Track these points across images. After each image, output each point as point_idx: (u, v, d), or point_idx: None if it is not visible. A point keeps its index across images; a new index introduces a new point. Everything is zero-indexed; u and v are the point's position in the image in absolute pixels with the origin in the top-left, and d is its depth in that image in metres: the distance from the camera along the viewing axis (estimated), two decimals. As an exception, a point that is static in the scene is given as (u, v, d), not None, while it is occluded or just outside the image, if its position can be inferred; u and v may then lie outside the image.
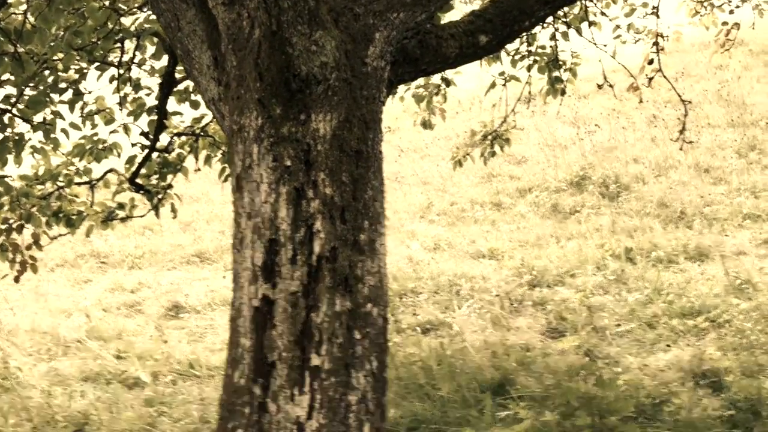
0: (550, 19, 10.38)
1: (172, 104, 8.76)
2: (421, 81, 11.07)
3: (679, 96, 10.51)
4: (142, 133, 8.58)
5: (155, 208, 9.21)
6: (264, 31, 5.20)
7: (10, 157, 8.20)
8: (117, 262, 16.06)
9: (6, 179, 8.40)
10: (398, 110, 16.92)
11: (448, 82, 10.88)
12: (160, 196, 9.18)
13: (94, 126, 8.83)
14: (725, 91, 21.21)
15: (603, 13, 10.76)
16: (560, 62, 10.67)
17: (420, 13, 5.72)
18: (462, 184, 18.43)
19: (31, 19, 7.13)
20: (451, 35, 5.97)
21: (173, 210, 9.34)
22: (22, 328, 12.40)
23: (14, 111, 7.81)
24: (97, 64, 8.17)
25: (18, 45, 6.97)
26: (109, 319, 12.84)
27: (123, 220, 9.33)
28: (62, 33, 7.59)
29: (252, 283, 5.41)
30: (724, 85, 21.59)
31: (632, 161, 18.07)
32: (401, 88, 11.05)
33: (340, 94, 5.39)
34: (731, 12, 10.65)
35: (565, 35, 10.51)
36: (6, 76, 7.59)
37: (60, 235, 9.33)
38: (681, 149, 11.42)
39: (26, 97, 7.85)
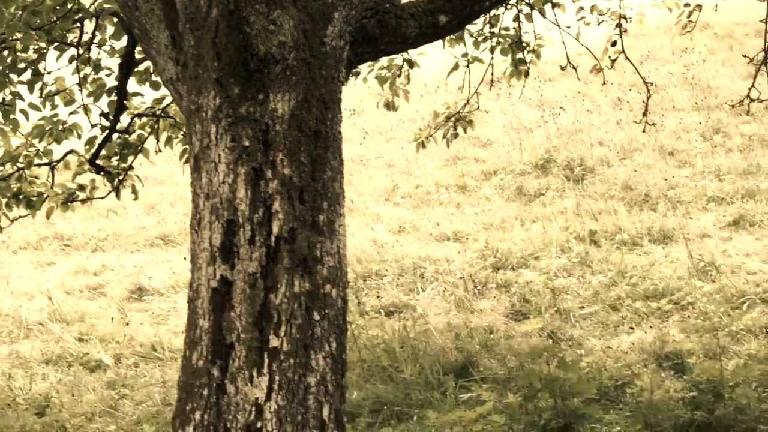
0: (513, 0, 10.37)
1: (132, 85, 8.68)
2: (384, 62, 11.01)
3: (643, 79, 10.49)
4: (102, 114, 8.50)
5: (116, 190, 9.13)
6: (221, 10, 5.15)
7: (-31, 139, 8.14)
8: (80, 245, 15.95)
9: (-36, 162, 8.33)
10: (363, 92, 16.83)
11: (411, 64, 10.83)
12: (120, 178, 9.10)
13: (54, 107, 8.74)
14: (690, 75, 21.22)
15: (565, -8, 10.73)
16: (524, 44, 10.63)
17: (379, -8, 5.69)
18: (427, 167, 18.39)
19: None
20: (410, 15, 5.93)
21: (134, 191, 9.27)
22: (-17, 311, 12.33)
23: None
24: (56, 44, 8.08)
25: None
26: (72, 301, 12.77)
27: (83, 201, 9.25)
28: (20, 13, 7.51)
29: (210, 264, 5.38)
30: (689, 69, 21.60)
31: (597, 144, 18.07)
32: (364, 69, 11.01)
33: (299, 73, 5.35)
34: (694, -6, 10.66)
35: (528, 17, 10.46)
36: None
37: (20, 216, 9.25)
38: (644, 131, 11.43)
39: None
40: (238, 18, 5.14)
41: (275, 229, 5.29)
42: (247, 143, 5.29)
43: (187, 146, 9.16)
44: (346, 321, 5.60)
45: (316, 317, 5.36)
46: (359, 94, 13.52)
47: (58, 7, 7.60)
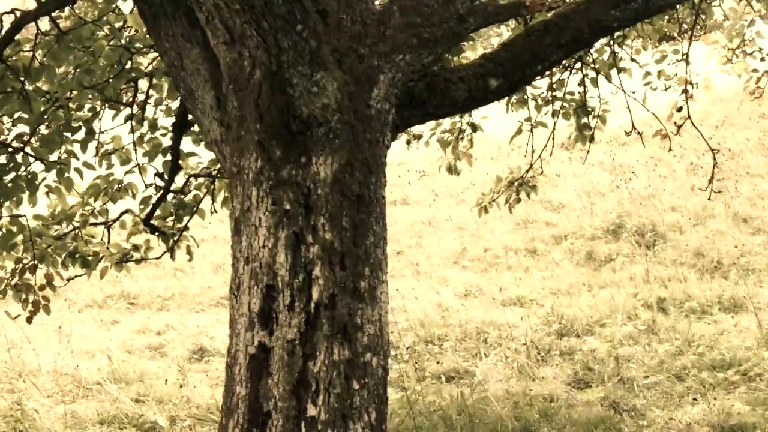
0: (578, 65, 10.24)
1: (188, 145, 8.65)
2: (447, 125, 10.91)
3: (709, 145, 10.26)
4: (157, 174, 8.47)
5: (171, 251, 9.09)
6: (264, 72, 5.07)
7: (25, 197, 8.12)
8: (146, 304, 15.97)
9: (20, 218, 8.30)
10: (434, 154, 16.77)
11: (474, 127, 10.72)
12: (175, 238, 9.06)
13: (110, 166, 8.73)
14: (767, 140, 20.92)
15: (633, 60, 10.58)
16: (589, 108, 10.49)
17: (426, 55, 5.58)
18: (497, 230, 18.23)
19: (40, 55, 7.05)
20: (460, 78, 5.82)
21: (189, 252, 9.21)
22: (44, 369, 12.29)
23: (27, 149, 7.69)
24: (110, 103, 8.07)
25: (26, 82, 6.88)
26: (132, 361, 12.71)
27: (138, 262, 9.22)
28: (73, 71, 7.52)
29: (248, 329, 5.29)
30: (766, 134, 21.30)
31: (670, 210, 17.81)
32: (426, 132, 10.92)
33: (342, 136, 5.26)
34: (762, 59, 10.45)
35: (594, 81, 10.34)
36: (18, 114, 7.50)
37: (75, 276, 9.23)
38: (710, 199, 11.18)
39: (39, 136, 7.75)
40: (281, 79, 5.05)
41: (315, 295, 5.20)
42: (288, 207, 5.21)
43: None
44: (386, 390, 5.46)
45: (356, 386, 5.24)
46: (430, 155, 13.44)
47: (112, 66, 7.59)
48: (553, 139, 10.41)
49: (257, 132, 5.22)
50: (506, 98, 10.09)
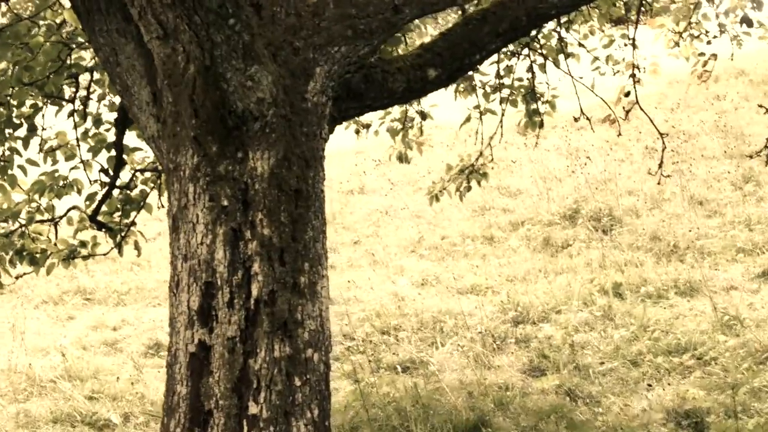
0: (526, 50, 10.20)
1: (134, 140, 8.54)
2: (396, 114, 10.85)
3: (657, 129, 10.22)
4: (102, 170, 8.38)
5: (118, 246, 9.00)
6: (198, 67, 5.01)
7: (-32, 194, 8.06)
8: (102, 299, 15.79)
9: (-36, 217, 8.23)
10: (390, 142, 16.72)
11: (424, 115, 10.65)
12: (122, 234, 8.97)
13: (55, 162, 8.64)
14: (723, 122, 20.95)
15: (581, 44, 10.56)
16: (538, 95, 10.45)
17: (362, 46, 5.53)
18: (454, 218, 18.17)
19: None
20: (398, 69, 5.77)
21: (137, 248, 9.13)
22: (-2, 368, 12.18)
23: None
24: (51, 99, 7.98)
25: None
26: (87, 357, 12.59)
27: (85, 258, 9.12)
28: (11, 68, 7.42)
29: (188, 327, 5.25)
30: (721, 116, 21.34)
31: (626, 194, 17.80)
32: (376, 121, 10.86)
33: (279, 131, 5.21)
34: (709, 42, 10.42)
35: (542, 67, 10.30)
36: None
37: (24, 274, 9.13)
38: (659, 183, 11.16)
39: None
40: (215, 74, 4.99)
41: (254, 292, 5.16)
42: (225, 203, 5.16)
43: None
44: (329, 386, 5.42)
45: (297, 383, 5.20)
46: (387, 143, 13.40)
47: (51, 62, 7.49)
48: (501, 126, 10.35)
49: (193, 128, 5.17)
50: (454, 86, 10.06)
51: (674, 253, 14.80)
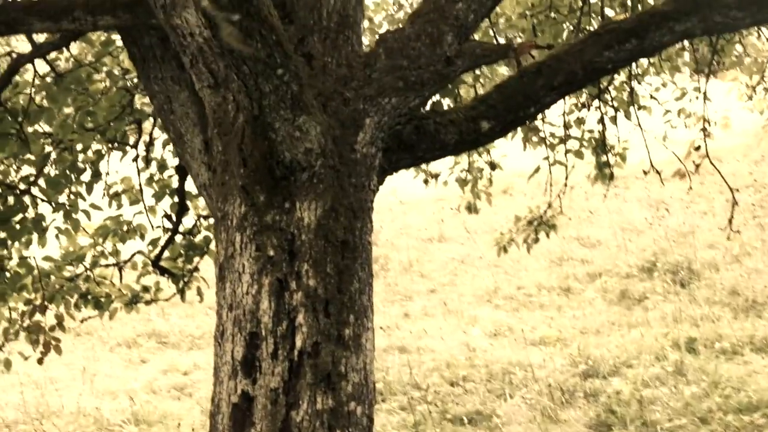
0: (596, 102, 10.11)
1: (197, 186, 8.57)
2: (465, 164, 10.80)
3: (727, 184, 10.02)
4: (165, 215, 8.43)
5: (181, 292, 9.03)
6: (247, 116, 5.00)
7: (35, 238, 8.13)
8: (176, 343, 15.92)
9: (28, 260, 8.29)
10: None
11: (493, 166, 10.59)
12: (185, 279, 9.00)
13: (120, 206, 8.71)
14: (808, 176, 20.66)
15: (653, 96, 10.44)
16: (608, 147, 10.34)
17: (413, 98, 5.48)
18: (531, 268, 18.07)
19: (39, 98, 7.05)
20: (450, 121, 5.71)
21: (200, 293, 9.15)
22: (67, 410, 12.25)
23: (35, 191, 7.69)
24: (114, 144, 8.06)
25: (24, 125, 6.86)
26: (156, 402, 12.66)
27: (148, 303, 9.17)
28: (74, 113, 7.49)
29: (231, 377, 5.20)
30: (807, 170, 21.06)
31: (706, 247, 17.57)
32: (445, 171, 10.82)
33: (326, 181, 5.17)
34: (782, 96, 10.29)
35: (613, 119, 10.20)
36: (27, 156, 7.50)
37: (89, 317, 9.19)
38: (729, 239, 10.95)
39: (46, 178, 7.76)
40: (263, 124, 4.97)
41: (298, 343, 5.10)
42: (271, 253, 5.12)
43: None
44: (372, 440, 5.35)
45: (339, 436, 5.13)
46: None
47: (113, 107, 7.55)
48: (567, 178, 10.24)
49: (241, 177, 5.15)
50: (523, 136, 10.01)
51: (752, 308, 14.58)
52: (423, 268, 19.00)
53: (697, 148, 9.94)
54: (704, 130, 9.85)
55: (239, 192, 5.19)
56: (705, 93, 9.89)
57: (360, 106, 5.36)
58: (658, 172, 10.02)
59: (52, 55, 7.02)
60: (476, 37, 9.70)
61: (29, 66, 6.69)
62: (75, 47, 7.57)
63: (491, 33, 9.69)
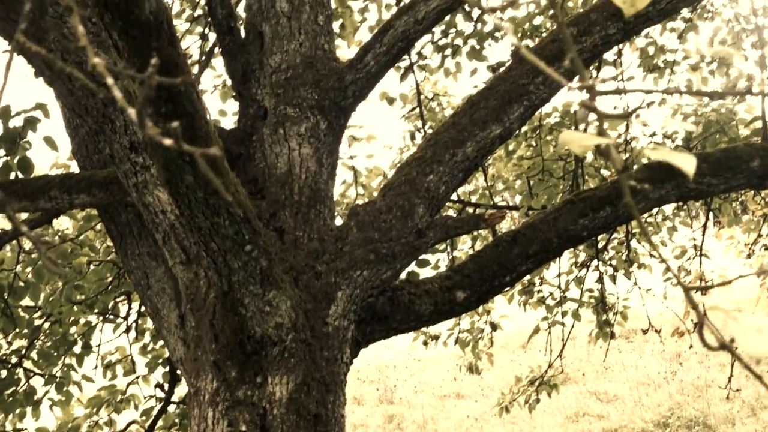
0: (595, 262, 10.12)
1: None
2: (466, 325, 10.79)
3: (723, 340, 9.96)
4: (158, 385, 8.41)
5: (175, 461, 8.97)
6: (217, 292, 5.03)
7: (28, 410, 8.11)
8: None
9: (23, 432, 8.27)
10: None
11: (494, 327, 10.57)
12: (180, 449, 8.94)
13: (114, 377, 8.70)
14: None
15: (652, 255, 10.43)
16: (608, 305, 10.32)
17: (385, 270, 5.50)
18: (546, 425, 17.87)
19: (24, 274, 7.10)
20: (425, 291, 5.71)
21: (197, 465, 9.07)
22: None
23: (27, 364, 7.71)
24: (103, 317, 8.09)
25: (9, 301, 6.90)
26: None
27: (142, 473, 9.10)
28: (60, 287, 7.55)
29: None
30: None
31: (723, 400, 17.37)
32: (444, 332, 10.80)
33: (298, 355, 5.17)
34: (779, 253, 10.26)
35: (612, 278, 10.19)
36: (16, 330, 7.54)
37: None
38: (728, 398, 10.84)
39: (37, 350, 7.77)
40: (233, 299, 4.98)
41: None
42: (244, 428, 5.09)
43: None
44: None
45: None
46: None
47: (100, 281, 7.62)
48: (563, 341, 10.20)
49: (212, 352, 5.15)
50: (522, 298, 10.01)
51: (769, 464, 14.35)
52: (439, 426, 18.83)
53: (695, 306, 9.87)
54: (701, 288, 9.80)
55: (211, 367, 5.18)
56: (701, 251, 9.88)
57: (332, 280, 5.38)
58: (657, 332, 9.97)
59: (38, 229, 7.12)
60: (473, 199, 9.82)
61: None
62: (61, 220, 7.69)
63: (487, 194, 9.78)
